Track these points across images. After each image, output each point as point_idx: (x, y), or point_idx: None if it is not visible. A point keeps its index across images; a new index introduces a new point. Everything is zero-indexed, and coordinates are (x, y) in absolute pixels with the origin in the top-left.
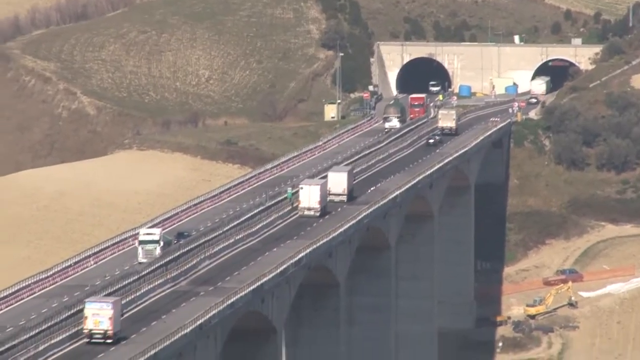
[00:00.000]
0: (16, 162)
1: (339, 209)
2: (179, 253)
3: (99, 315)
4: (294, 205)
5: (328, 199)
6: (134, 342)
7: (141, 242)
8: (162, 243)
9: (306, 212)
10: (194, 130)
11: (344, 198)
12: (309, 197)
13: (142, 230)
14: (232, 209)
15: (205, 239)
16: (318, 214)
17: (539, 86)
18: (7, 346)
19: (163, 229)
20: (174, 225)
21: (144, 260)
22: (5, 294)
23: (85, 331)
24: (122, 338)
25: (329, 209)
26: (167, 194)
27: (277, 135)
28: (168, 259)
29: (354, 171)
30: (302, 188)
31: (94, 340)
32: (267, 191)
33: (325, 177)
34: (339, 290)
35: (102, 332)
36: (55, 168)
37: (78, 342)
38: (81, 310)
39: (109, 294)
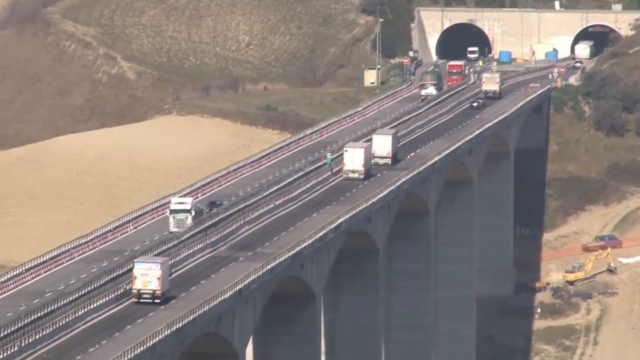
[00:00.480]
0: (56, 126)
1: (378, 175)
2: (218, 218)
3: (147, 275)
4: (333, 170)
5: (372, 161)
6: (174, 307)
7: (172, 212)
8: (193, 212)
9: (350, 175)
10: (233, 95)
11: (389, 161)
12: (353, 160)
13: (174, 200)
14: (272, 175)
15: (240, 206)
16: (362, 176)
17: (583, 50)
18: (54, 307)
19: (195, 198)
20: (215, 190)
21: (175, 230)
22: (44, 259)
23: (134, 291)
24: (170, 298)
25: (373, 171)
26: (206, 159)
27: (317, 100)
28: (208, 224)
29: (398, 134)
30: (346, 151)
31: (142, 300)
32: (306, 157)
33: (370, 140)
34: (378, 256)
35: (150, 292)
36: (95, 133)
37: (126, 302)
38: (125, 273)
39: None
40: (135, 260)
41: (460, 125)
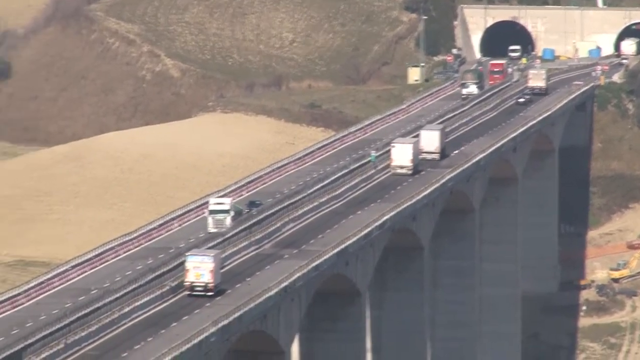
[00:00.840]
0: (100, 124)
1: (423, 172)
2: (263, 216)
3: (200, 268)
4: (377, 167)
5: (420, 157)
6: (219, 305)
7: (211, 212)
8: (232, 212)
9: (398, 171)
10: (277, 93)
11: (437, 156)
12: (401, 155)
13: (212, 200)
14: (316, 172)
15: (283, 204)
16: (410, 172)
17: (629, 47)
18: (100, 304)
19: (235, 198)
20: (259, 188)
21: (214, 230)
22: (89, 256)
23: (187, 284)
24: (222, 291)
25: (420, 167)
26: (250, 156)
27: (361, 98)
28: (252, 221)
29: (446, 130)
30: (394, 147)
31: (194, 293)
32: (350, 154)
33: (417, 136)
34: (423, 254)
35: (202, 284)
36: (139, 130)
37: (179, 296)
38: (170, 270)
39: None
40: (188, 253)
41: (504, 123)
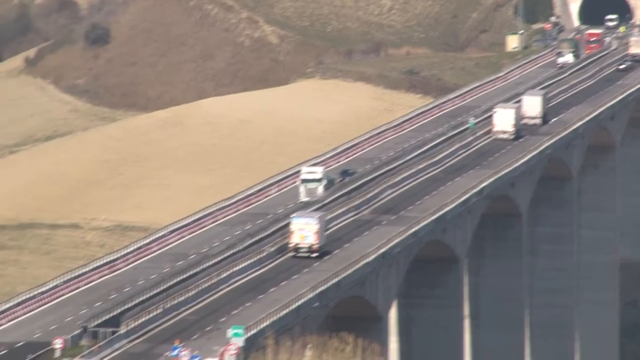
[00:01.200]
0: (199, 89)
1: (521, 139)
2: (361, 182)
3: (304, 230)
4: (476, 134)
5: (522, 122)
6: (318, 271)
7: (303, 181)
8: (324, 181)
9: (500, 136)
10: (376, 60)
11: (538, 121)
12: (503, 120)
13: (304, 169)
14: (414, 139)
15: (380, 172)
16: (512, 137)
17: None
18: (198, 269)
19: (328, 166)
20: (358, 154)
21: (306, 199)
22: (188, 222)
23: (291, 245)
24: (327, 252)
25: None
26: (348, 123)
27: (459, 65)
28: (351, 187)
29: (548, 96)
30: (496, 112)
31: (299, 255)
32: (449, 121)
33: (519, 101)
34: (521, 220)
35: (307, 246)
36: (238, 96)
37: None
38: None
39: (286, 224)
40: (293, 215)
41: (602, 90)
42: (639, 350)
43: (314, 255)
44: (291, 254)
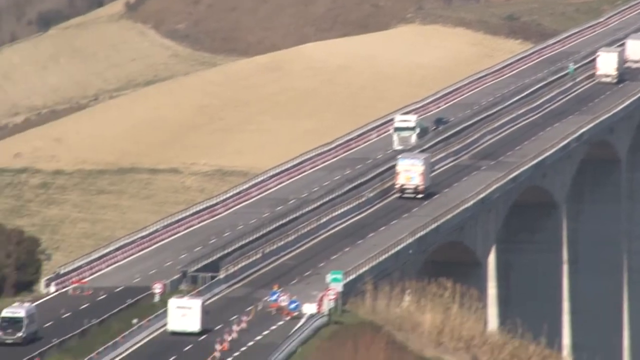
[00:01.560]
0: (300, 35)
1: (621, 85)
2: (461, 127)
3: (410, 172)
4: (576, 79)
5: (626, 65)
6: (417, 216)
7: (396, 129)
8: (418, 130)
9: (603, 79)
10: (476, 5)
11: None
12: (606, 64)
13: (397, 117)
14: (514, 84)
15: (480, 117)
16: (615, 80)
17: None
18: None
19: (422, 115)
20: (458, 99)
21: (399, 148)
22: (287, 167)
23: (397, 186)
24: (432, 193)
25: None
26: (448, 68)
27: (559, 11)
28: (450, 132)
29: None
30: (599, 55)
31: (405, 195)
32: (549, 67)
33: (622, 45)
34: (620, 166)
35: (413, 187)
36: (338, 42)
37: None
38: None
39: (386, 169)
40: (399, 157)
41: None
42: None
43: (420, 196)
44: (396, 194)
